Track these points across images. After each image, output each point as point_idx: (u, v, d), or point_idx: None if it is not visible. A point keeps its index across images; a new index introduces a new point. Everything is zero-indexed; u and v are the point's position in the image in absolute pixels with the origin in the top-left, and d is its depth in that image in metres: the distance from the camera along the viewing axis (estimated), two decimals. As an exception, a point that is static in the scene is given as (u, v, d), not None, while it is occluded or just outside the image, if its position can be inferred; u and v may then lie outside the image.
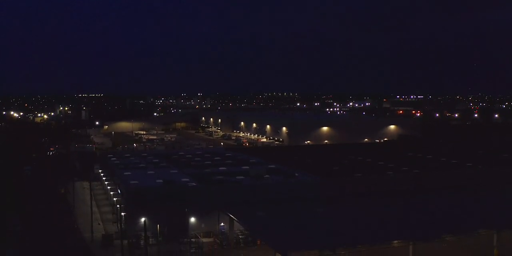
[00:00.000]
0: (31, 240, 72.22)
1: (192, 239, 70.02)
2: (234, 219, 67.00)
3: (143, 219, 69.64)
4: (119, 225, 75.18)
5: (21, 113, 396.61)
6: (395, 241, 59.10)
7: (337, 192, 77.19)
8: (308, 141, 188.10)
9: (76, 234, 75.64)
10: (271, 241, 56.50)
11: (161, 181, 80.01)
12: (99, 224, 74.04)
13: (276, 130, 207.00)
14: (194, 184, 79.49)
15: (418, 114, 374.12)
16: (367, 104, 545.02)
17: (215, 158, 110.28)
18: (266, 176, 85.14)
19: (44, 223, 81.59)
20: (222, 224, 73.07)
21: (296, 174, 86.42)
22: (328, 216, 66.71)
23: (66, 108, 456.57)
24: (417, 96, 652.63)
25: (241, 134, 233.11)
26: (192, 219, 72.83)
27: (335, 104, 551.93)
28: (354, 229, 60.09)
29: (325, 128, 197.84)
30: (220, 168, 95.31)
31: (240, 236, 70.91)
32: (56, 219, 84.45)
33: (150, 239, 69.82)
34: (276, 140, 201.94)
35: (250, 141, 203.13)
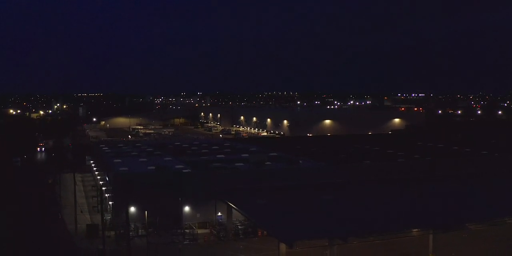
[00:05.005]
0: (10, 231, 65.57)
1: (186, 230, 63.64)
2: (233, 208, 60.32)
3: (131, 208, 64.01)
4: (108, 214, 69.25)
5: (19, 111, 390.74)
6: (414, 230, 52.63)
7: (345, 179, 70.58)
8: (310, 135, 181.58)
9: (59, 224, 69.08)
10: (274, 231, 49.98)
11: (153, 168, 73.41)
12: (81, 212, 67.51)
13: (277, 124, 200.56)
14: (189, 170, 72.88)
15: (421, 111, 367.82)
16: (368, 102, 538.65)
17: (213, 147, 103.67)
18: (268, 163, 78.52)
19: (26, 213, 75.05)
20: (219, 213, 66.64)
21: (300, 161, 79.76)
22: (337, 204, 59.98)
23: (65, 106, 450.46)
24: (418, 94, 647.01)
25: (241, 129, 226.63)
26: (187, 208, 66.39)
27: (335, 102, 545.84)
28: (366, 217, 53.37)
29: (327, 121, 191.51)
30: (218, 156, 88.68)
31: (239, 227, 64.39)
32: (40, 209, 78.03)
33: (140, 230, 63.44)
34: (277, 134, 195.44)
35: (250, 135, 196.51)
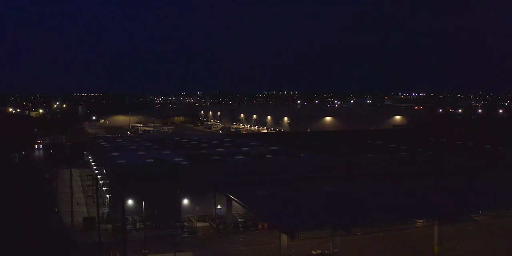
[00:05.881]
0: (5, 224, 64.19)
1: (185, 223, 62.23)
2: (233, 200, 58.96)
3: (129, 201, 62.75)
4: (106, 208, 67.94)
5: (18, 110, 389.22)
6: (419, 221, 51.17)
7: (348, 172, 69.15)
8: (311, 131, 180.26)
9: (55, 218, 67.72)
10: (275, 221, 48.59)
11: (151, 160, 71.93)
12: (77, 204, 66.08)
13: (277, 121, 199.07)
14: (187, 162, 71.39)
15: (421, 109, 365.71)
16: (368, 101, 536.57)
17: (213, 142, 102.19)
18: (268, 156, 77.08)
19: (23, 207, 73.73)
20: (219, 206, 65.32)
21: (302, 155, 78.28)
22: (340, 195, 58.46)
23: (64, 106, 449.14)
24: (418, 94, 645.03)
25: (241, 126, 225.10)
26: (185, 201, 65.01)
27: (335, 101, 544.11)
28: (370, 208, 51.97)
29: (328, 118, 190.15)
30: (218, 149, 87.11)
31: (240, 220, 63.00)
32: (37, 203, 76.73)
33: (138, 223, 62.02)
34: (277, 131, 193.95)
35: (250, 133, 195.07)
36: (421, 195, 57.80)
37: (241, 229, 61.67)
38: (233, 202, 59.73)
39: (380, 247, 53.97)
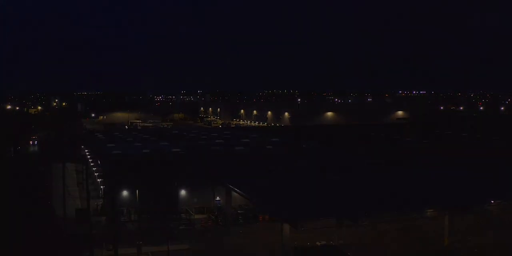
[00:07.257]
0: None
1: (182, 215, 59.63)
2: (233, 190, 56.04)
3: (124, 192, 60.24)
4: (99, 199, 65.45)
5: (17, 108, 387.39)
6: (429, 211, 48.38)
7: (352, 162, 66.45)
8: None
9: (48, 210, 65.24)
10: (277, 210, 45.85)
11: (147, 151, 69.32)
12: (69, 194, 63.56)
13: (277, 116, 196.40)
14: (185, 153, 68.79)
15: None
16: (368, 99, 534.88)
17: (212, 134, 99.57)
18: (269, 147, 74.45)
19: (14, 199, 71.32)
20: (217, 198, 62.62)
21: (304, 146, 75.65)
22: (345, 186, 55.65)
23: (64, 104, 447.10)
24: (419, 92, 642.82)
25: (241, 122, 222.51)
26: (183, 192, 62.34)
27: (336, 100, 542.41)
28: (378, 198, 49.09)
29: (329, 114, 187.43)
30: (217, 141, 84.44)
31: (239, 212, 60.37)
32: (28, 195, 74.32)
33: (133, 215, 59.51)
34: (278, 126, 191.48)
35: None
36: (431, 185, 55.08)
37: (241, 221, 59.12)
38: (233, 194, 57.05)
39: (387, 239, 51.38)
